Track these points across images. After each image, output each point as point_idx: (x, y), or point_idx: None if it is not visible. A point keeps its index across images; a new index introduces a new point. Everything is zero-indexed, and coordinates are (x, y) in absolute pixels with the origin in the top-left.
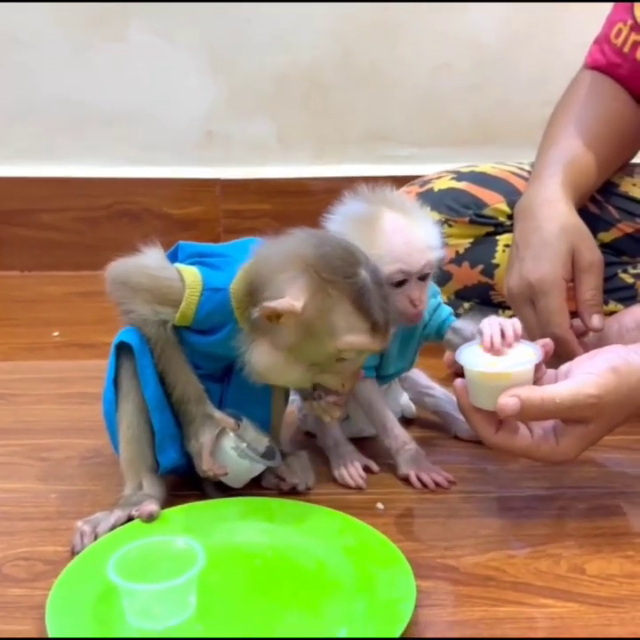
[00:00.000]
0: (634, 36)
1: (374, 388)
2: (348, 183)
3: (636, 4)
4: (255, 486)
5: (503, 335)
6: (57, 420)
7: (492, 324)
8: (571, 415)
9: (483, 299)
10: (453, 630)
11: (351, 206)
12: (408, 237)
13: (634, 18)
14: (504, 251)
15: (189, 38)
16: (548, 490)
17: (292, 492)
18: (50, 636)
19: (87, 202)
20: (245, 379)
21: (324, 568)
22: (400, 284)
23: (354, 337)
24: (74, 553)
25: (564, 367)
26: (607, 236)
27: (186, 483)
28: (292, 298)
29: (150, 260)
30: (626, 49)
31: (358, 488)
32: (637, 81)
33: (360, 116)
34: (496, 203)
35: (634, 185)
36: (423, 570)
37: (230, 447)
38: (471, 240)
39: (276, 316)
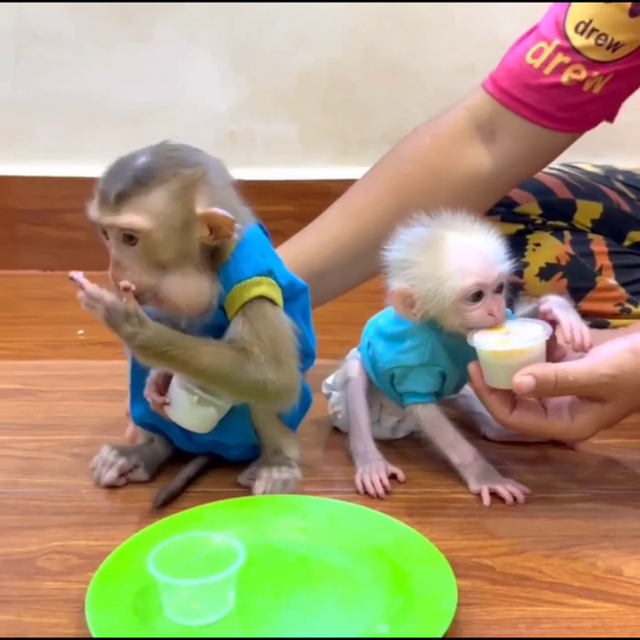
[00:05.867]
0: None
1: (436, 410)
2: None
3: (567, 21)
4: None
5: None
6: (85, 417)
7: (574, 324)
8: (585, 393)
9: (511, 299)
10: (492, 629)
11: (412, 232)
12: (478, 250)
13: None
14: (534, 249)
15: (212, 38)
16: (580, 491)
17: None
18: (90, 629)
19: None
20: None
21: (359, 565)
22: (476, 298)
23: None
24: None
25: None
26: (638, 236)
27: (219, 480)
28: None
29: None
30: (547, 71)
31: (377, 496)
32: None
33: (381, 117)
34: (527, 202)
35: None
36: (459, 569)
37: (176, 381)
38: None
39: None
